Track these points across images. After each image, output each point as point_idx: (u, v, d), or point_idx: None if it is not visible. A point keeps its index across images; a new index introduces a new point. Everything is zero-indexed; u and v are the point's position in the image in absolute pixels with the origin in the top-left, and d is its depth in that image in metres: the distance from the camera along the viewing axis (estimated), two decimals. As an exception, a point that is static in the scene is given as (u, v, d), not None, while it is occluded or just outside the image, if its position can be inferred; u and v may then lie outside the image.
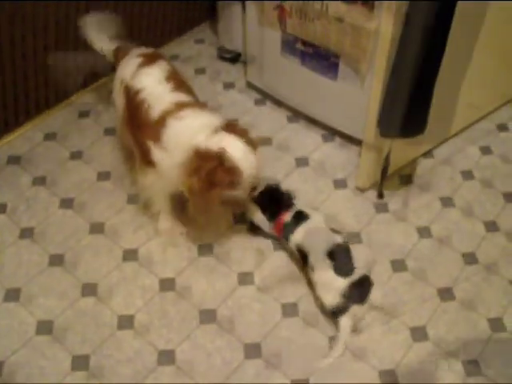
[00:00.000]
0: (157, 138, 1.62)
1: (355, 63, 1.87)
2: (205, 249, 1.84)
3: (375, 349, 1.61)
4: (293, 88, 2.16)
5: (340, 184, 2.02)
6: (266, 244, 1.85)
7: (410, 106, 1.66)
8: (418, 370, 1.57)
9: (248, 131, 1.63)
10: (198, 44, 2.60)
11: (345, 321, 1.57)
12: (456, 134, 2.17)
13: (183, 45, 2.57)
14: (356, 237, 1.86)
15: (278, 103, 2.29)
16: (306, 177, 2.04)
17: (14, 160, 2.12)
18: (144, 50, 1.86)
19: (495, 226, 1.90)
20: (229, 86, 2.41)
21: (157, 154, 1.63)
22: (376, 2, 1.69)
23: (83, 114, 2.29)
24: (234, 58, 2.48)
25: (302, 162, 2.10)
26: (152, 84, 1.71)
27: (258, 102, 2.33)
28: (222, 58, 2.51)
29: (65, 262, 1.82)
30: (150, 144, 1.63)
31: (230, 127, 1.60)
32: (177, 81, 1.73)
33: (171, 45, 2.52)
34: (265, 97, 2.34)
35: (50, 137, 2.20)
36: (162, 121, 1.62)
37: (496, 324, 1.66)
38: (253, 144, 1.60)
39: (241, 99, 2.35)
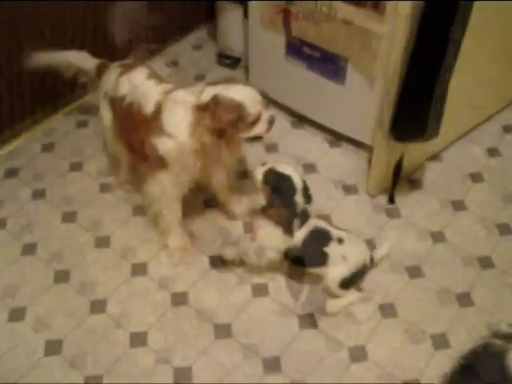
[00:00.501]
0: (158, 129, 1.59)
1: (364, 67, 1.83)
2: (216, 260, 1.79)
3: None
4: (297, 93, 2.12)
5: (350, 190, 1.99)
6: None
7: (424, 109, 1.63)
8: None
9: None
10: (197, 50, 2.55)
11: None
12: (461, 137, 2.15)
13: (182, 50, 2.51)
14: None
15: (281, 108, 2.24)
16: (315, 183, 1.98)
17: (13, 171, 2.06)
18: (123, 61, 1.83)
19: (508, 229, 1.87)
20: (230, 91, 2.36)
21: (163, 144, 1.59)
22: (387, 5, 1.66)
23: (82, 123, 2.24)
24: (234, 63, 2.44)
25: (309, 168, 2.06)
26: (136, 85, 1.68)
27: (260, 108, 2.28)
28: (221, 63, 2.46)
29: (71, 278, 1.76)
30: (154, 139, 1.60)
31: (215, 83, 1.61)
32: (159, 77, 1.73)
33: (170, 49, 2.48)
34: (268, 102, 2.28)
35: (47, 141, 2.15)
36: (157, 112, 1.60)
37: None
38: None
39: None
